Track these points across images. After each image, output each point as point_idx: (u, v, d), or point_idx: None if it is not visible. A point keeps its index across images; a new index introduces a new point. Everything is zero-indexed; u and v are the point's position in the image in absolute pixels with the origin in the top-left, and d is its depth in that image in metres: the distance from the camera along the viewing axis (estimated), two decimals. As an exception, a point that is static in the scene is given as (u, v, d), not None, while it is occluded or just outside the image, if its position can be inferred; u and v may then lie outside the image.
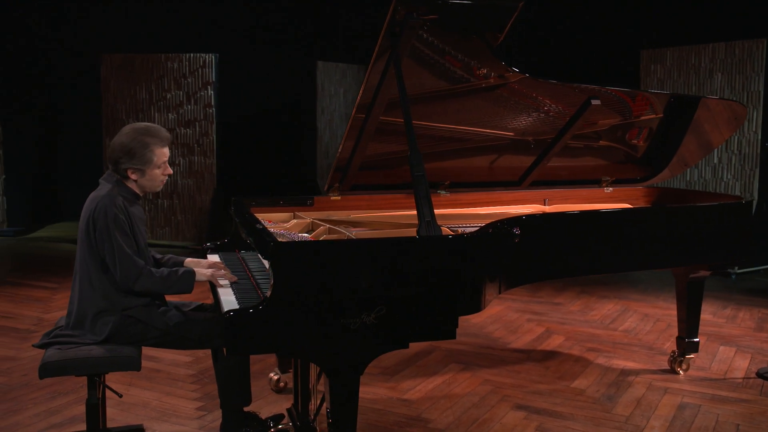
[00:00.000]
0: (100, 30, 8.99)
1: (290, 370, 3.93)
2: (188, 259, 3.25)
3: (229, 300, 2.82)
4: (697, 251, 3.83)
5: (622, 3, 8.24)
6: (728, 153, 7.14)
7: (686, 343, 4.27)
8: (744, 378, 4.28)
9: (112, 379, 4.02)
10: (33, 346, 3.04)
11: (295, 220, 3.69)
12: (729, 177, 7.14)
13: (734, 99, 6.90)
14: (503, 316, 5.59)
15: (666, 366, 4.42)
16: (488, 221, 3.15)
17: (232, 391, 3.19)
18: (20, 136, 9.05)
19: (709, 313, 5.65)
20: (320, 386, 3.06)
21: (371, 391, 3.97)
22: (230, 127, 8.71)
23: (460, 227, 3.58)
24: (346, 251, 2.57)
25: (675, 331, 4.35)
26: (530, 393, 4.01)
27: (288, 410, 3.54)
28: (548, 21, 8.55)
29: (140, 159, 2.95)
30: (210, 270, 3.07)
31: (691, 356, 4.32)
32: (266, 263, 2.70)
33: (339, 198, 3.89)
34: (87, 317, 2.93)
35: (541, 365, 4.47)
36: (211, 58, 8.07)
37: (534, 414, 3.73)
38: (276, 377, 3.98)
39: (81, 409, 3.63)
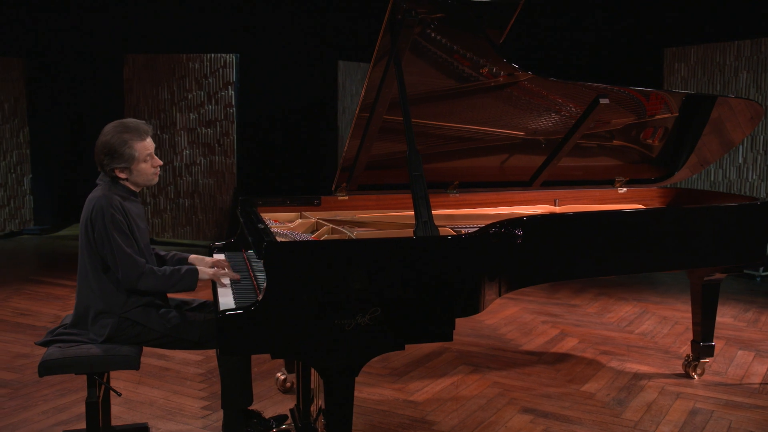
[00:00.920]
0: (124, 31, 9.09)
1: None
2: (192, 256, 3.25)
3: (226, 300, 2.83)
4: (708, 253, 3.74)
5: (646, 1, 8.11)
6: (753, 153, 6.97)
7: (701, 347, 4.18)
8: (761, 384, 4.17)
9: (121, 377, 4.06)
10: (35, 343, 3.07)
11: (300, 220, 3.69)
12: (754, 177, 6.97)
13: (760, 98, 6.77)
14: (518, 318, 5.52)
15: (680, 370, 4.33)
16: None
17: (233, 390, 3.19)
18: (46, 137, 9.19)
19: (729, 316, 5.53)
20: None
21: (378, 392, 3.94)
22: (251, 126, 8.75)
23: (467, 228, 3.54)
24: (339, 252, 2.55)
25: (692, 335, 4.26)
26: (539, 396, 3.95)
27: (291, 410, 3.53)
28: (572, 20, 8.45)
29: (121, 157, 2.93)
30: (213, 269, 3.08)
31: (707, 360, 4.23)
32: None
33: (346, 198, 3.88)
34: (87, 317, 2.96)
35: (552, 368, 4.41)
36: (231, 58, 8.11)
37: (541, 417, 3.68)
38: (283, 377, 3.98)
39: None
